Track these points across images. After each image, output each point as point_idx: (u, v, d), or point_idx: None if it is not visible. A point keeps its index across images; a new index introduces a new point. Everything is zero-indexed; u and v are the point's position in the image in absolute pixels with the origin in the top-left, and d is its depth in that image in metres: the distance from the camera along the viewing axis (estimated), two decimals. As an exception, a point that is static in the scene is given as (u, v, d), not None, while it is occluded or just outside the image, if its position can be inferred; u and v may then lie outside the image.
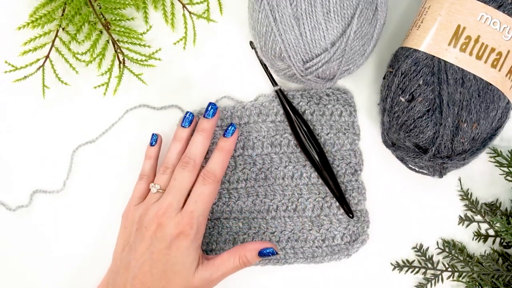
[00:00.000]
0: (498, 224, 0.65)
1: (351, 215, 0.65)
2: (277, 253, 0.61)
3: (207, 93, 0.68)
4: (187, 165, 0.62)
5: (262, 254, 0.61)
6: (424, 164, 0.61)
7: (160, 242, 0.59)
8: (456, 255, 0.65)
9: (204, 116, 0.64)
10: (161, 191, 0.62)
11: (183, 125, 0.64)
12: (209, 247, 0.66)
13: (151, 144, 0.65)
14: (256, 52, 0.65)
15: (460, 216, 0.67)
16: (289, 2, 0.58)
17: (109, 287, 0.60)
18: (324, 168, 0.65)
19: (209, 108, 0.64)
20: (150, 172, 0.65)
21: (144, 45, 0.67)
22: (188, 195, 0.62)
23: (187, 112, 0.65)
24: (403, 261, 0.66)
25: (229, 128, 0.64)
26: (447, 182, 0.66)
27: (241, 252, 0.61)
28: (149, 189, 0.63)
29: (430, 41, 0.59)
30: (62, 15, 0.65)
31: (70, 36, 0.66)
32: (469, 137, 0.59)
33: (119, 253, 0.61)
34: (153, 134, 0.65)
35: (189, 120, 0.64)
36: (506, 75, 0.59)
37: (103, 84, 0.66)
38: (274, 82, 0.66)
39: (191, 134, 0.65)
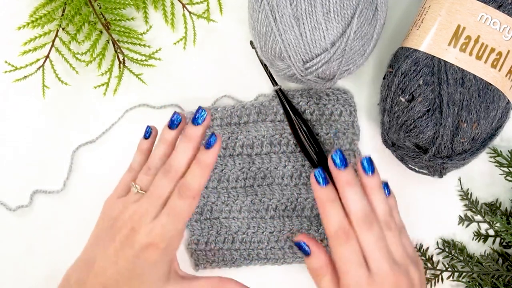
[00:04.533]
0: (498, 224, 0.65)
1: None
2: None
3: (207, 93, 0.68)
4: (168, 174, 0.57)
5: None
6: (424, 164, 0.61)
7: (129, 249, 0.56)
8: (456, 255, 0.65)
9: (192, 122, 0.57)
10: (142, 192, 0.58)
11: (169, 126, 0.59)
12: (207, 247, 0.66)
13: (145, 137, 0.61)
14: (256, 52, 0.65)
15: (460, 216, 0.66)
16: (289, 2, 0.58)
17: (71, 281, 0.57)
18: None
19: (198, 113, 0.57)
20: (139, 167, 0.61)
21: (144, 45, 0.67)
22: None
23: (174, 113, 0.58)
24: (403, 261, 0.66)
25: (211, 139, 0.56)
26: (447, 182, 0.66)
27: (222, 286, 0.58)
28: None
29: (430, 41, 0.59)
30: (62, 15, 0.65)
31: (70, 36, 0.66)
32: (469, 137, 0.59)
33: (89, 246, 0.58)
34: (147, 127, 0.61)
35: (176, 123, 0.58)
36: (506, 75, 0.59)
37: (103, 84, 0.66)
38: (274, 82, 0.66)
39: (178, 137, 0.59)
